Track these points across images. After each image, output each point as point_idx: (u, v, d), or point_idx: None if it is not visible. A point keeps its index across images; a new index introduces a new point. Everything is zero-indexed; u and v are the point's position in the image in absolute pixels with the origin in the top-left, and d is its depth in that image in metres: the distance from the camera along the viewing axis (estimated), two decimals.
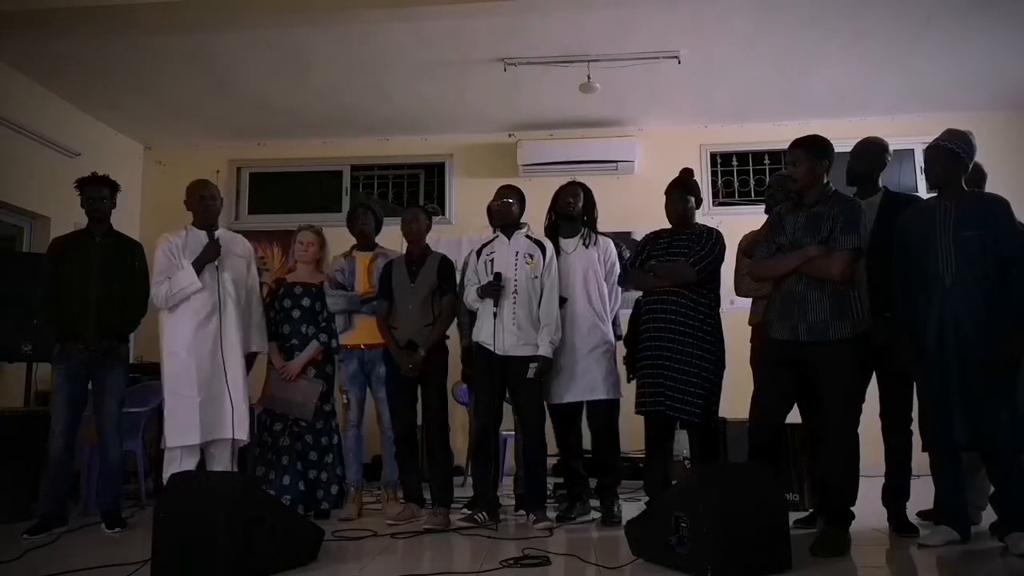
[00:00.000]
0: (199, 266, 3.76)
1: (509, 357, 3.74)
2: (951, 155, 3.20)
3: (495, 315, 3.74)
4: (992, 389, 3.03)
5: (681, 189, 3.82)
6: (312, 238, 4.34)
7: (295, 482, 4.10)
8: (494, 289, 3.75)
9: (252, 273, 4.06)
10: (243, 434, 3.79)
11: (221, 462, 3.76)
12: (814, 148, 3.24)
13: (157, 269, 3.79)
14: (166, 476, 3.64)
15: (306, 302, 4.22)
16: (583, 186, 4.11)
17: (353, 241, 4.42)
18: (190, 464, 3.72)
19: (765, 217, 3.60)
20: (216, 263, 3.80)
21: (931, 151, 3.29)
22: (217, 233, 3.88)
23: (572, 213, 4.00)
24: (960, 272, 3.10)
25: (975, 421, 3.03)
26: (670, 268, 3.70)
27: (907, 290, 3.25)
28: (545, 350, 3.73)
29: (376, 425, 4.24)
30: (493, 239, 3.99)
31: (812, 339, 3.11)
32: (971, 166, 3.27)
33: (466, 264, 4.24)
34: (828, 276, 3.12)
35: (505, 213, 3.92)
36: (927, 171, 3.38)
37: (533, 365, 3.71)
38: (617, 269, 4.04)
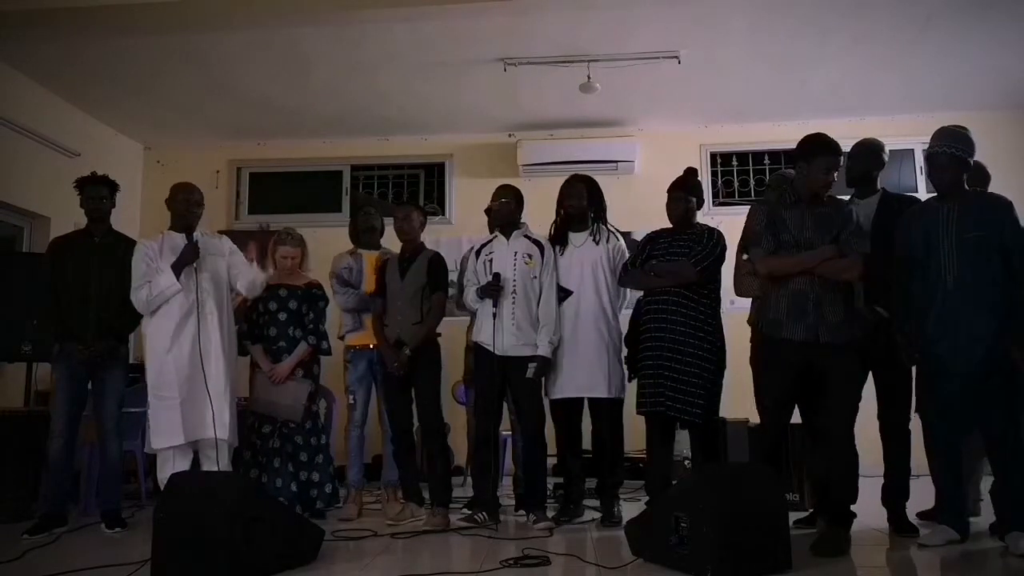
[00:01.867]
0: (178, 269, 3.72)
1: (508, 357, 3.74)
2: (955, 160, 3.16)
3: (494, 315, 3.73)
4: (994, 390, 3.04)
5: (683, 189, 3.80)
6: (294, 252, 4.23)
7: (287, 484, 4.08)
8: (493, 289, 3.75)
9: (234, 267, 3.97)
10: (225, 434, 3.73)
11: (212, 462, 3.74)
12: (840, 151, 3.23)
13: (136, 275, 3.75)
14: (160, 477, 3.67)
15: (292, 304, 4.18)
16: (585, 180, 4.00)
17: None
18: (183, 464, 3.71)
19: None
20: (195, 265, 3.77)
21: (933, 158, 3.22)
22: (196, 235, 3.83)
23: (577, 214, 3.94)
24: (962, 274, 3.09)
25: (976, 418, 3.05)
26: (671, 268, 3.69)
27: (909, 292, 3.25)
28: (544, 350, 3.73)
29: (378, 425, 4.25)
30: (492, 239, 3.98)
31: (831, 340, 3.12)
32: (972, 164, 3.24)
33: (463, 262, 4.24)
34: (844, 278, 3.14)
35: (504, 213, 3.91)
36: (932, 178, 3.31)
37: (532, 365, 3.71)
38: None
